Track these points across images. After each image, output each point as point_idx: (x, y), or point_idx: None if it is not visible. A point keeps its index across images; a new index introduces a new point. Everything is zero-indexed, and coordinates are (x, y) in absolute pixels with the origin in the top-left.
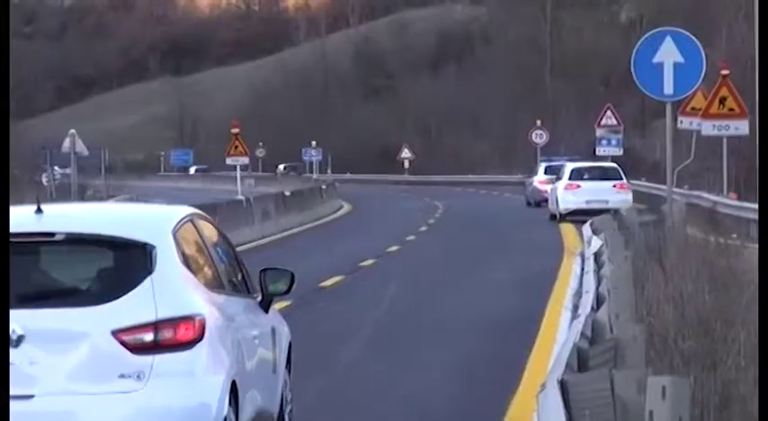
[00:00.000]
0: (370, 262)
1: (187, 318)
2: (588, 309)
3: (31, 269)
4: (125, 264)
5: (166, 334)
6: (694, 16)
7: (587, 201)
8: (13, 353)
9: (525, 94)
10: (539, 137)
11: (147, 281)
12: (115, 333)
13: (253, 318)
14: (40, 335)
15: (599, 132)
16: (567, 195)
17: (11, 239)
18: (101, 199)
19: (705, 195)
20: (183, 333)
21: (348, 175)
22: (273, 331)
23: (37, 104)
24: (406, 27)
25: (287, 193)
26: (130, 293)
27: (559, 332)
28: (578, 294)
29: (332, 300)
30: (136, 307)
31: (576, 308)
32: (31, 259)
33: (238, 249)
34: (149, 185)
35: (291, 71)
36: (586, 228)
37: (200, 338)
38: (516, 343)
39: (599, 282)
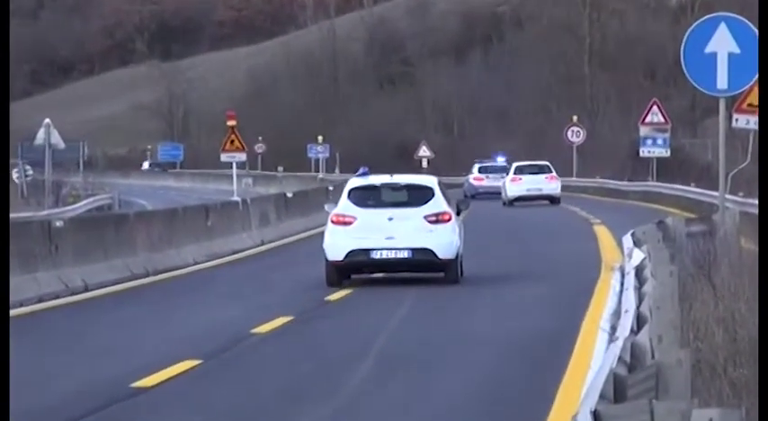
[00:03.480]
0: (383, 273)
1: (446, 212)
2: (627, 330)
3: (391, 195)
4: (424, 194)
5: (440, 217)
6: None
7: (527, 190)
8: (388, 223)
9: (560, 86)
10: (575, 135)
11: (432, 200)
12: (424, 216)
13: (457, 217)
14: (398, 216)
15: (643, 131)
16: (512, 186)
17: (382, 184)
18: (77, 198)
19: None
20: (446, 217)
21: None
22: (462, 224)
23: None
24: (427, 8)
25: (289, 195)
26: (427, 204)
27: (594, 356)
28: (617, 314)
29: (338, 315)
30: (430, 208)
31: (613, 329)
32: (390, 192)
33: (233, 257)
34: (133, 183)
35: (296, 56)
36: (627, 239)
37: (450, 219)
38: (546, 367)
39: (640, 300)
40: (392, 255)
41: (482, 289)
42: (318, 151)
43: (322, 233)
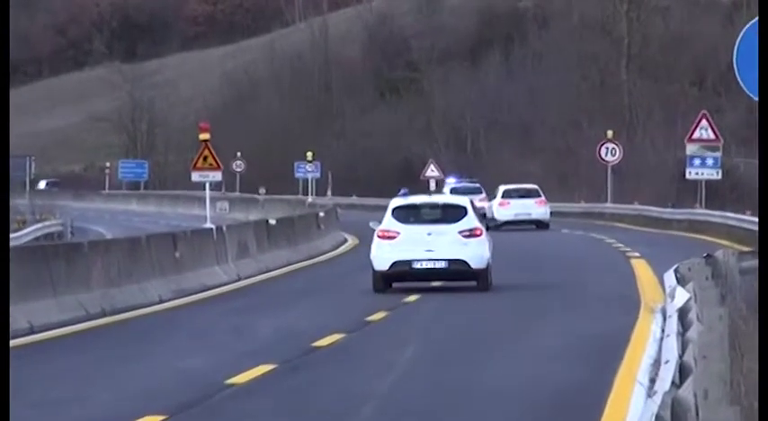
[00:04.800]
0: (380, 315)
1: (478, 228)
2: (668, 384)
3: (430, 213)
4: (459, 212)
5: (473, 233)
6: None
7: (516, 214)
8: (427, 237)
9: (593, 96)
10: (610, 153)
11: (466, 217)
12: (459, 232)
13: (486, 233)
14: (436, 231)
15: (690, 148)
16: (501, 210)
17: (422, 203)
18: (23, 224)
19: None
20: (478, 232)
21: (354, 199)
22: (490, 238)
23: None
24: (437, 3)
25: (272, 222)
26: (461, 221)
27: (630, 413)
28: (656, 364)
29: (327, 364)
30: (464, 224)
31: (652, 382)
32: (429, 211)
33: (206, 295)
34: (89, 207)
35: (282, 59)
36: (669, 276)
37: (482, 234)
38: None
39: (683, 348)
40: (431, 265)
41: (501, 332)
42: (307, 170)
43: (311, 266)
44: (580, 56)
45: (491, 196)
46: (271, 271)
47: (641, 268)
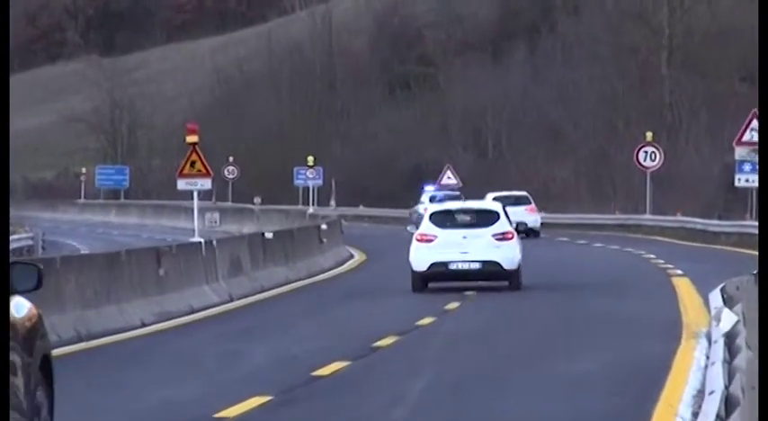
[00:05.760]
0: (389, 341)
1: (510, 231)
2: (712, 417)
3: (464, 218)
4: (492, 216)
5: (505, 236)
6: None
7: None
8: (463, 240)
9: (630, 94)
10: (649, 157)
11: (498, 221)
12: (492, 235)
13: (517, 236)
14: (470, 235)
15: (739, 152)
16: None
17: (457, 209)
18: None
19: None
20: (509, 236)
21: (361, 209)
22: (521, 241)
23: None
24: None
25: (268, 235)
26: (494, 225)
27: None
28: (700, 395)
29: (328, 395)
30: (496, 228)
31: (695, 415)
32: (464, 216)
33: (193, 317)
34: (63, 218)
35: (280, 52)
36: (715, 297)
37: (513, 237)
38: None
39: (730, 377)
40: (466, 266)
41: (526, 357)
42: (308, 177)
43: (312, 285)
44: (615, 48)
45: None
46: (266, 290)
47: (684, 287)
